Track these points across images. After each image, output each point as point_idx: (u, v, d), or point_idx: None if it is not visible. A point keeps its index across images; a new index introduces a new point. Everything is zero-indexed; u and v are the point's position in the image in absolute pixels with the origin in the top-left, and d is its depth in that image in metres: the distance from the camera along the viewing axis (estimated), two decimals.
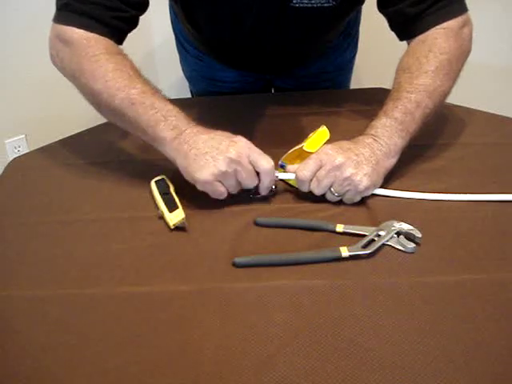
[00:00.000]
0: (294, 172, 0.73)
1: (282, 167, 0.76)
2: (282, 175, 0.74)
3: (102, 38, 0.78)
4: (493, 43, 1.85)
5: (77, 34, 0.77)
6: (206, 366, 0.52)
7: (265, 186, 0.72)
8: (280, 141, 0.85)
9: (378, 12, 0.87)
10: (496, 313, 0.56)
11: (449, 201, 0.73)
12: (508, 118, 0.94)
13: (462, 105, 0.99)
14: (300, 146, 0.76)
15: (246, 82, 1.15)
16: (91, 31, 0.77)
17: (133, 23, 0.83)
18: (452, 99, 0.99)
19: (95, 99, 0.77)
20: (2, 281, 0.64)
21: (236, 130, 0.73)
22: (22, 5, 1.62)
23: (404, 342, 0.53)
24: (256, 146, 0.72)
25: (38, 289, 0.62)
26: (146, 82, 0.76)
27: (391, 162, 0.74)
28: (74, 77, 0.78)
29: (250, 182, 0.71)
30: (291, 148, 0.78)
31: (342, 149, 0.71)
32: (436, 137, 0.89)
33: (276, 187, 0.75)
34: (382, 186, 0.74)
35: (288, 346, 0.53)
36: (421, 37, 0.81)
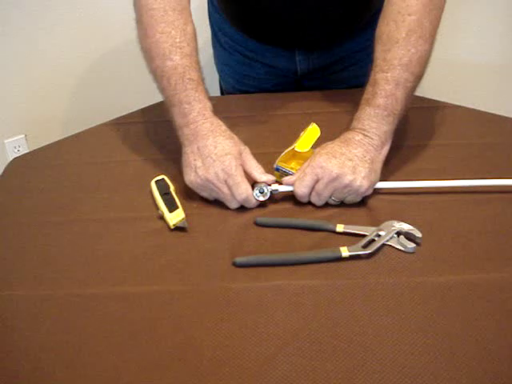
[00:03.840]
0: (292, 185, 0.72)
1: (278, 170, 0.76)
2: (280, 188, 0.73)
3: None
4: (493, 43, 1.85)
5: None
6: (205, 365, 0.52)
7: (247, 206, 0.73)
8: (282, 141, 0.84)
9: None
10: (496, 313, 0.56)
11: (449, 196, 0.73)
12: (508, 117, 0.94)
13: (462, 105, 0.99)
14: (292, 147, 0.76)
15: (275, 84, 1.11)
16: None
17: None
18: (452, 99, 0.99)
19: (144, 54, 0.79)
20: (1, 281, 0.64)
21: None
22: (23, 4, 1.62)
23: (404, 341, 0.53)
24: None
25: (38, 289, 0.62)
26: (187, 53, 0.76)
27: (385, 150, 0.73)
28: (137, 25, 0.80)
29: (228, 204, 0.72)
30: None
31: (335, 157, 0.70)
32: (436, 137, 0.89)
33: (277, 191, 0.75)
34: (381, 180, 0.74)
35: (288, 346, 0.53)
36: None
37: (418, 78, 0.75)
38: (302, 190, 0.71)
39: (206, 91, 0.77)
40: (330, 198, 0.72)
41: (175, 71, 0.75)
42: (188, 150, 0.73)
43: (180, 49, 0.76)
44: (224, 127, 0.74)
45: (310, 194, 0.72)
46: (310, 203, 0.73)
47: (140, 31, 0.79)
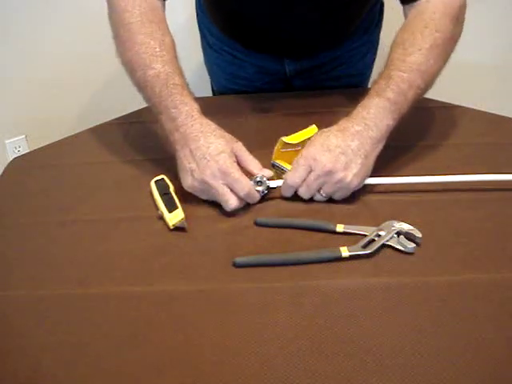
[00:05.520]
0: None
1: (274, 167, 0.75)
2: (272, 183, 0.73)
3: None
4: (493, 43, 1.85)
5: None
6: (205, 366, 0.52)
7: (250, 202, 0.72)
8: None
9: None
10: (496, 313, 0.56)
11: (449, 196, 0.73)
12: (508, 117, 0.94)
13: (461, 105, 0.99)
14: (282, 138, 0.75)
15: (265, 82, 1.12)
16: None
17: None
18: (452, 99, 0.99)
19: (125, 67, 0.80)
20: (2, 281, 0.64)
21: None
22: (22, 5, 1.63)
23: (404, 342, 0.53)
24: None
25: (38, 289, 0.62)
26: (168, 60, 0.76)
27: (379, 147, 0.72)
28: (115, 41, 0.81)
29: (226, 205, 0.71)
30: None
31: (329, 150, 0.69)
32: (436, 137, 0.89)
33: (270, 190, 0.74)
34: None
35: (288, 346, 0.53)
36: (420, 7, 0.79)
37: (426, 89, 0.77)
38: (294, 180, 0.71)
39: (192, 94, 0.76)
40: (319, 192, 0.71)
41: (158, 79, 0.75)
42: (181, 154, 0.72)
43: (161, 57, 0.76)
44: (214, 126, 0.73)
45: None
46: (309, 201, 0.73)
47: (119, 46, 0.80)
